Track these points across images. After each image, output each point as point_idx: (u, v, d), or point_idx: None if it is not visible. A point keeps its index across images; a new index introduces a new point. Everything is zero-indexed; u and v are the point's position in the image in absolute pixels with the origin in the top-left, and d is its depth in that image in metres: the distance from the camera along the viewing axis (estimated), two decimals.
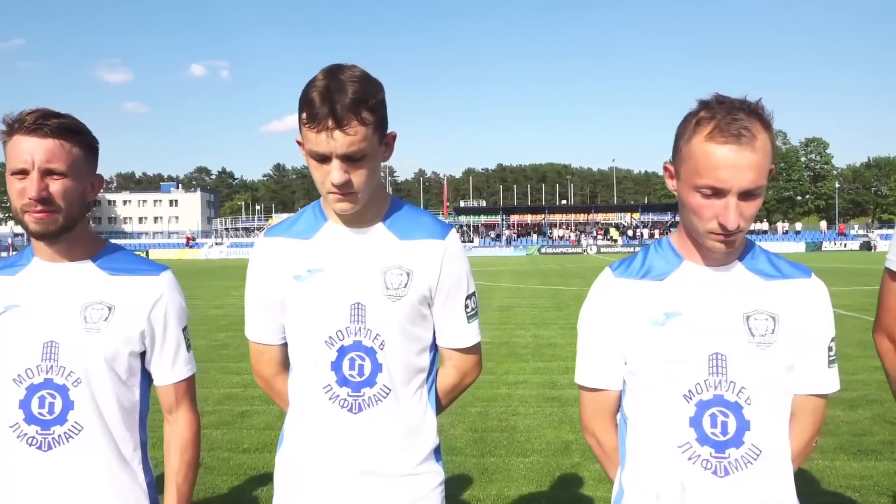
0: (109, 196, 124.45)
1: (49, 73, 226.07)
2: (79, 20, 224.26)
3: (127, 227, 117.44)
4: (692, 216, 1.48)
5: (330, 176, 1.56)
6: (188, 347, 1.85)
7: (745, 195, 1.41)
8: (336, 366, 1.68)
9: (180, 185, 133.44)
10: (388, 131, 1.66)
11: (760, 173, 1.41)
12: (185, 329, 1.84)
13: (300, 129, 1.58)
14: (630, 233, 70.22)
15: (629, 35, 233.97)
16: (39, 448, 1.63)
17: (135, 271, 1.77)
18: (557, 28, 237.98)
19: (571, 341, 9.10)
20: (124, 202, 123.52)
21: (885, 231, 64.22)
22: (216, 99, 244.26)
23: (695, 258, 1.59)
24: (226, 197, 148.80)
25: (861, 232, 70.33)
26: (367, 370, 1.68)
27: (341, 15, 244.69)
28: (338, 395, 1.68)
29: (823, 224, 74.70)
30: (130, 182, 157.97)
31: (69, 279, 1.71)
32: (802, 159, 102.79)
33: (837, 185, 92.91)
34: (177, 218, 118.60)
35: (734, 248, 1.51)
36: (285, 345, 1.82)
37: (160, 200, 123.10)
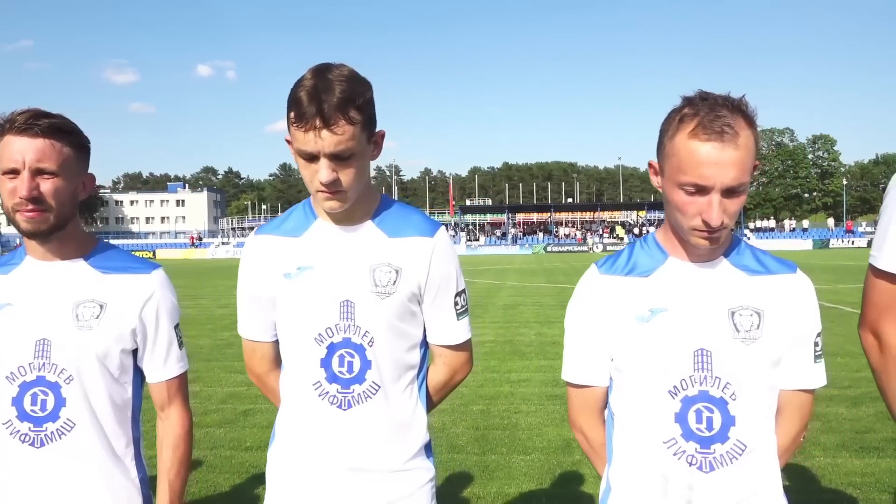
0: (116, 196, 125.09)
1: (56, 74, 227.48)
2: (85, 21, 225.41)
3: (134, 228, 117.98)
4: (676, 213, 1.49)
5: (318, 175, 1.58)
6: (180, 345, 1.86)
7: (729, 192, 1.42)
8: (325, 363, 1.69)
9: (187, 185, 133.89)
10: (377, 130, 1.67)
11: (743, 170, 1.41)
12: (177, 326, 1.85)
13: (288, 128, 1.60)
14: (636, 231, 70.08)
15: (635, 32, 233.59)
16: (32, 445, 1.64)
17: (126, 269, 1.79)
18: (562, 26, 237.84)
19: None
20: (131, 202, 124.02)
21: None
22: (222, 99, 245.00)
23: (680, 254, 1.59)
24: (232, 196, 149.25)
25: (869, 229, 69.87)
26: (357, 367, 1.69)
27: (346, 14, 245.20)
28: (327, 392, 1.69)
29: (831, 221, 74.40)
30: (137, 182, 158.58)
31: (61, 278, 1.73)
32: (810, 156, 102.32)
33: (845, 182, 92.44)
34: (183, 218, 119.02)
35: (718, 244, 1.51)
36: (278, 342, 1.83)
37: (167, 200, 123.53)
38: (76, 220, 1.75)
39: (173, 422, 1.85)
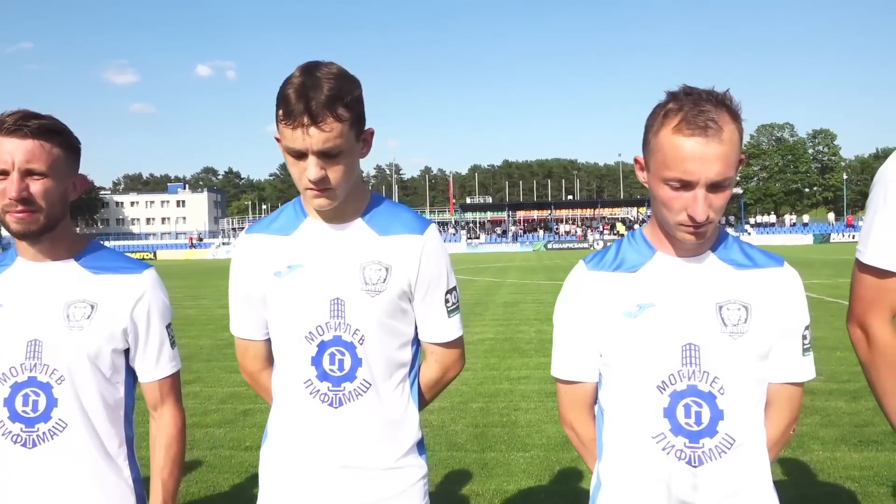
0: (117, 197, 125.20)
1: (56, 75, 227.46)
2: (85, 23, 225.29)
3: (135, 229, 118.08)
4: (662, 208, 1.49)
5: (306, 172, 1.58)
6: (172, 344, 1.86)
7: (714, 187, 1.42)
8: (316, 361, 1.70)
9: (187, 186, 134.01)
10: (366, 128, 1.68)
11: (728, 165, 1.41)
12: (168, 326, 1.86)
13: (277, 125, 1.60)
14: (636, 227, 69.88)
15: (635, 28, 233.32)
16: (24, 445, 1.65)
17: (117, 269, 1.79)
18: (562, 23, 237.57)
19: None
20: (132, 203, 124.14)
21: None
22: (222, 99, 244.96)
23: (667, 249, 1.60)
24: (233, 197, 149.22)
25: None
26: (347, 365, 1.69)
27: (346, 13, 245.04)
28: (318, 390, 1.70)
29: (831, 216, 74.26)
30: (137, 183, 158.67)
31: (52, 278, 1.73)
32: (810, 151, 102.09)
33: (845, 177, 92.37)
34: (184, 218, 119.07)
35: (705, 238, 1.51)
36: (270, 340, 1.83)
37: (167, 201, 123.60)
38: (67, 220, 1.76)
39: (166, 421, 1.85)
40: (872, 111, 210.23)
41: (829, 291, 15.88)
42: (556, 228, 73.72)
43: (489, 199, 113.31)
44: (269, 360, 1.87)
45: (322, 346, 1.70)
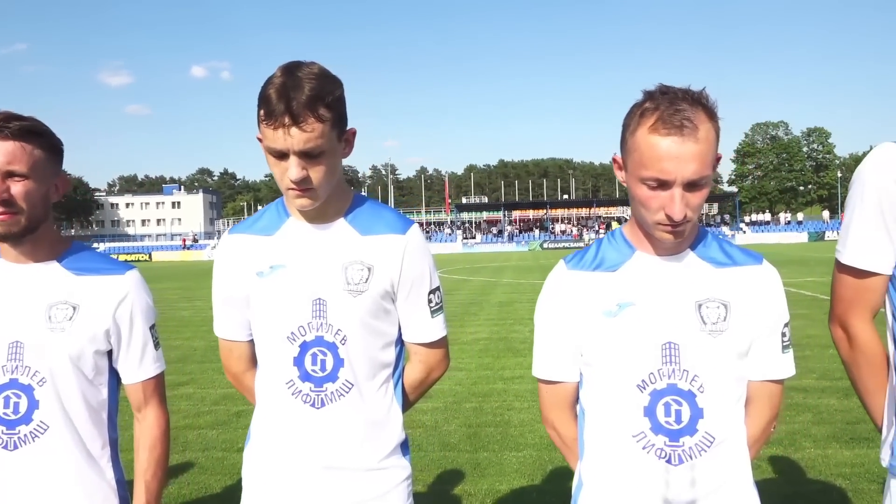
0: (112, 199, 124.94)
1: (51, 77, 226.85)
2: (79, 24, 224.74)
3: (130, 230, 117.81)
4: (640, 208, 1.49)
5: (288, 172, 1.58)
6: (156, 345, 1.86)
7: (691, 186, 1.42)
8: (298, 361, 1.70)
9: (182, 187, 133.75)
10: (348, 128, 1.67)
11: (704, 164, 1.41)
12: (152, 327, 1.85)
13: (259, 126, 1.60)
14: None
15: (630, 27, 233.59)
16: (5, 448, 1.65)
17: (100, 271, 1.79)
18: (557, 22, 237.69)
19: None
20: (127, 205, 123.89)
21: None
22: (218, 100, 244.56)
23: (646, 248, 1.60)
24: (228, 198, 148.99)
25: None
26: (330, 365, 1.69)
27: (341, 14, 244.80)
28: (300, 391, 1.70)
29: (826, 214, 74.46)
30: (133, 185, 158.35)
31: (34, 280, 1.73)
32: (804, 149, 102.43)
33: (840, 175, 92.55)
34: (179, 220, 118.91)
35: (683, 237, 1.52)
36: (254, 341, 1.83)
37: (163, 203, 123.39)
38: (49, 221, 1.75)
39: (150, 422, 1.85)
40: (866, 109, 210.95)
41: (824, 289, 15.92)
42: (552, 228, 73.80)
43: (485, 199, 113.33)
44: (253, 361, 1.86)
45: (304, 347, 1.69)
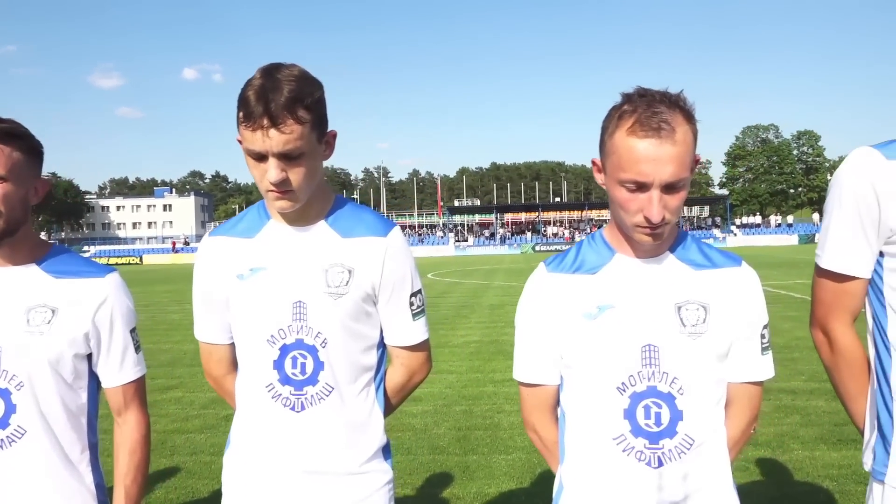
0: (103, 202, 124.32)
1: (42, 79, 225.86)
2: (70, 26, 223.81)
3: (121, 233, 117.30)
4: (619, 210, 1.49)
5: (267, 174, 1.57)
6: (137, 349, 1.85)
7: (668, 188, 1.42)
8: (278, 364, 1.69)
9: (174, 190, 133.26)
10: (329, 130, 1.67)
11: (682, 166, 1.41)
12: (133, 331, 1.84)
13: (238, 127, 1.59)
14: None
15: (622, 29, 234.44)
16: None
17: (80, 273, 1.77)
18: (550, 24, 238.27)
19: None
20: (118, 208, 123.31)
21: None
22: (209, 102, 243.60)
23: (626, 251, 1.60)
24: (220, 201, 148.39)
25: None
26: (310, 368, 1.68)
27: (333, 16, 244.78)
28: (280, 394, 1.69)
29: (816, 216, 74.74)
30: (124, 187, 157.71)
31: (13, 283, 1.71)
32: (795, 152, 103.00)
33: (830, 178, 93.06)
34: (171, 223, 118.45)
35: (662, 240, 1.52)
36: (234, 345, 1.82)
37: (154, 205, 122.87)
38: (28, 224, 1.74)
39: (130, 427, 1.83)
40: (856, 112, 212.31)
41: None
42: (544, 231, 73.88)
43: (477, 202, 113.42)
44: (234, 364, 1.85)
45: (284, 350, 1.68)
